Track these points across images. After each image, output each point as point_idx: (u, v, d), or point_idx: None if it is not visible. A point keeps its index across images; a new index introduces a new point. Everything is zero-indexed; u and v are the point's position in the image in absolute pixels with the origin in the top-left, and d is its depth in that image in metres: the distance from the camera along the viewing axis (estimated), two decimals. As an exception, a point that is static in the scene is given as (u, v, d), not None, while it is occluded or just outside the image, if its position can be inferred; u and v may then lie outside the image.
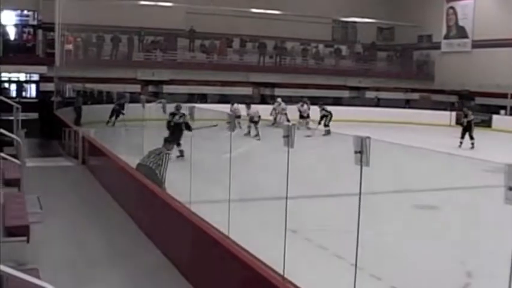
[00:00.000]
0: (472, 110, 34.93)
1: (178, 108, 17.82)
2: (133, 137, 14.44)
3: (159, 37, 36.49)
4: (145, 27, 35.05)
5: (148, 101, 14.11)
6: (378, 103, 38.33)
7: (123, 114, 20.39)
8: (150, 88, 35.13)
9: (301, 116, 28.78)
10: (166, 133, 11.86)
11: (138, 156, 11.48)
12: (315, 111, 28.43)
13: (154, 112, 13.44)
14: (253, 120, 24.34)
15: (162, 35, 36.37)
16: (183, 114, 17.15)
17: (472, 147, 24.31)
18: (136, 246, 9.33)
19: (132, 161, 11.88)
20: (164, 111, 12.81)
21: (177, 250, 8.51)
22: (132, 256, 8.90)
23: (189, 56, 37.09)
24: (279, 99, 30.92)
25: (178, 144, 16.52)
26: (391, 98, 39.48)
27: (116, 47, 34.64)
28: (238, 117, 26.34)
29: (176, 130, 17.22)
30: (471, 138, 24.65)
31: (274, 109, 30.23)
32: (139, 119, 13.88)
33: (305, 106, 29.25)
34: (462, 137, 24.84)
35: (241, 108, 26.82)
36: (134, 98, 16.18)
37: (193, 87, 35.38)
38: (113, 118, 23.45)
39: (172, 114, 17.63)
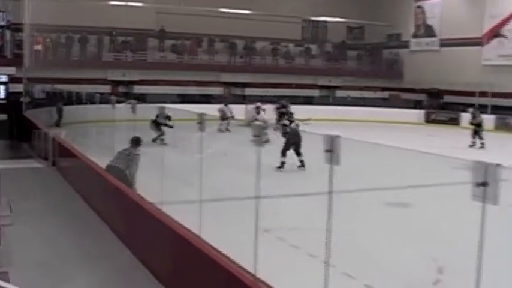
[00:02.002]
0: (439, 108, 35.52)
1: (162, 109, 19.92)
2: (104, 138, 14.36)
3: (129, 37, 36.30)
4: (115, 28, 34.87)
5: (118, 102, 14.02)
6: (348, 102, 38.50)
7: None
8: (121, 89, 34.95)
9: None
10: (136, 134, 11.82)
11: (109, 157, 11.42)
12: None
13: (125, 113, 13.35)
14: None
15: (132, 35, 36.18)
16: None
17: (482, 147, 24.39)
18: (107, 248, 9.28)
19: (102, 162, 11.82)
20: (134, 112, 12.72)
21: (148, 251, 8.47)
22: (103, 257, 8.85)
23: (160, 56, 36.94)
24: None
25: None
26: (362, 97, 39.71)
27: (83, 48, 34.38)
28: (226, 118, 26.69)
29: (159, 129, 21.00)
30: (480, 138, 24.80)
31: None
32: (110, 119, 13.81)
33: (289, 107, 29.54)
34: (473, 137, 24.97)
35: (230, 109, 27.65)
36: (104, 99, 16.09)
37: (164, 87, 35.19)
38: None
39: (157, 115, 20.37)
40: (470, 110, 32.38)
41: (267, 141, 22.98)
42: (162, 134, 21.36)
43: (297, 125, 25.97)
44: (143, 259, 8.37)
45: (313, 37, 43.72)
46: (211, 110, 25.58)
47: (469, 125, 25.78)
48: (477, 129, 24.98)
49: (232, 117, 27.62)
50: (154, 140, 20.91)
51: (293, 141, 16.99)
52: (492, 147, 23.63)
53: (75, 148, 15.04)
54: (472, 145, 24.65)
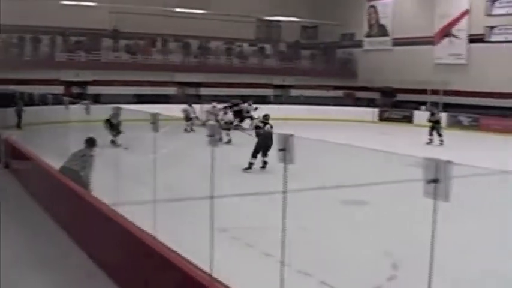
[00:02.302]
0: (393, 106, 36.00)
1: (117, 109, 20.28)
2: (58, 140, 14.18)
3: (83, 37, 35.93)
4: (68, 27, 34.48)
5: (72, 103, 13.88)
6: (302, 101, 38.70)
7: None
8: (74, 89, 34.54)
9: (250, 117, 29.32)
10: (91, 135, 11.71)
11: (63, 158, 11.29)
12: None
13: (79, 114, 13.22)
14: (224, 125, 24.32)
15: (86, 35, 35.82)
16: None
17: (441, 144, 24.86)
18: (62, 250, 9.18)
19: (57, 163, 11.67)
20: (88, 112, 12.62)
21: (103, 253, 8.41)
22: (58, 260, 8.75)
23: (113, 56, 36.64)
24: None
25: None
26: (316, 96, 39.96)
27: (36, 48, 33.91)
28: (190, 119, 26.77)
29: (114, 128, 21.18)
30: (439, 135, 25.26)
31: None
32: (64, 121, 13.66)
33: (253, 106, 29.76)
34: (431, 134, 25.41)
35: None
36: (57, 100, 15.92)
37: (119, 87, 34.87)
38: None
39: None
40: (423, 107, 33.01)
41: (229, 141, 23.18)
42: (118, 133, 21.24)
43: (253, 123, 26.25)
44: (99, 261, 8.30)
45: (267, 37, 43.88)
46: (169, 110, 25.53)
47: (425, 122, 26.18)
48: (436, 126, 25.41)
49: (197, 117, 27.76)
50: (113, 142, 20.87)
51: (264, 144, 16.88)
52: (448, 144, 24.07)
53: (28, 150, 14.82)
54: (430, 142, 25.05)
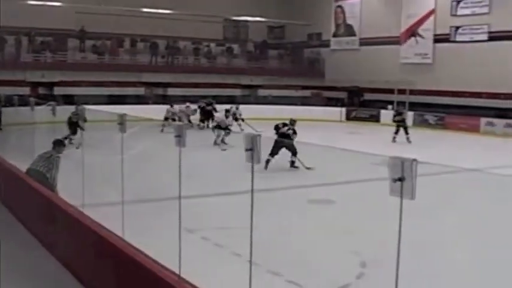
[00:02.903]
0: (360, 105, 36.28)
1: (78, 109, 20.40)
2: (24, 141, 14.03)
3: (49, 38, 35.54)
4: (34, 28, 34.07)
5: (38, 104, 13.74)
6: (270, 101, 38.75)
7: None
8: (41, 90, 34.15)
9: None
10: (57, 136, 11.60)
11: (30, 160, 11.18)
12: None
13: (45, 115, 13.10)
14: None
15: (52, 35, 35.45)
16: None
17: (409, 141, 25.36)
18: (29, 253, 9.09)
19: (22, 165, 11.55)
20: (54, 113, 12.50)
21: (71, 255, 8.34)
22: (25, 263, 8.67)
23: (80, 56, 36.26)
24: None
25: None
26: (284, 96, 40.03)
27: (1, 48, 33.50)
28: (174, 120, 26.83)
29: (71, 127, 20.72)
30: (406, 133, 25.73)
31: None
32: (29, 122, 13.52)
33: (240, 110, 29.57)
34: (396, 132, 25.85)
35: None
36: (23, 101, 15.74)
37: (87, 88, 34.55)
38: None
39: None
40: (390, 107, 33.34)
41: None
42: (73, 133, 20.49)
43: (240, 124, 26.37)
44: (66, 263, 8.24)
45: (235, 37, 43.88)
46: (144, 111, 25.43)
47: (392, 122, 26.51)
48: (402, 125, 25.89)
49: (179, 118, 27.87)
50: (65, 139, 19.99)
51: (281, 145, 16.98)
52: (414, 143, 24.37)
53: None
54: (394, 141, 25.47)
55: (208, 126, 29.44)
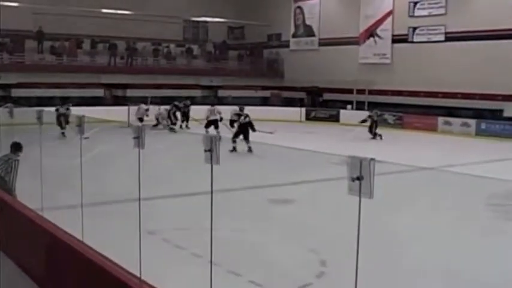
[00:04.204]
0: (319, 105, 36.58)
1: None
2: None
3: (6, 38, 35.01)
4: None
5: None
6: (230, 101, 38.70)
7: None
8: (-3, 92, 33.64)
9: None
10: (16, 139, 11.44)
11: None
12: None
13: (2, 117, 12.93)
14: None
15: (9, 36, 34.92)
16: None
17: (381, 139, 26.87)
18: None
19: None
20: (11, 116, 12.33)
21: (31, 259, 8.25)
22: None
23: (38, 58, 35.78)
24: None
25: None
26: (244, 96, 40.02)
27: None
28: (141, 119, 26.87)
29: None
30: (375, 133, 27.30)
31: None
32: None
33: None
34: (370, 131, 27.33)
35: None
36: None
37: (45, 90, 34.07)
38: None
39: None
40: (349, 107, 33.88)
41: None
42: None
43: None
44: (26, 268, 8.14)
45: (195, 37, 43.77)
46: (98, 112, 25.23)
47: (351, 121, 27.39)
48: (374, 126, 27.50)
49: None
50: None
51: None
52: (373, 142, 24.69)
53: None
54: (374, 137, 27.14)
55: (187, 127, 30.45)
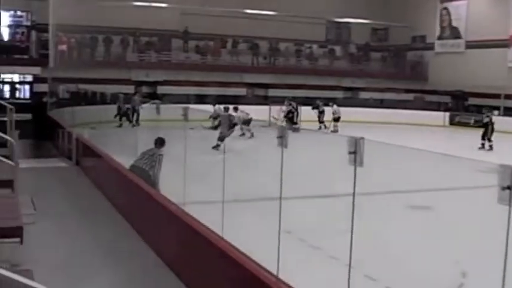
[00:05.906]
0: (464, 110, 35.30)
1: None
2: (128, 138, 14.37)
3: (154, 38, 36.40)
4: (139, 28, 34.95)
5: (142, 102, 14.05)
6: (372, 104, 38.32)
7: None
8: (144, 89, 35.02)
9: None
10: (160, 134, 11.81)
11: (132, 157, 11.45)
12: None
13: (148, 113, 13.39)
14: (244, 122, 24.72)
15: (157, 35, 36.28)
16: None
17: (490, 149, 24.49)
18: (130, 247, 9.32)
19: (126, 162, 11.84)
20: (158, 112, 12.73)
21: (171, 251, 8.49)
22: (126, 257, 8.90)
23: (183, 56, 36.97)
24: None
25: None
26: (385, 99, 39.53)
27: (107, 48, 34.57)
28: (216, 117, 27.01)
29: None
30: (485, 140, 24.90)
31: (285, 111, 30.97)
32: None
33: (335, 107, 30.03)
34: (483, 138, 25.06)
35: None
36: (128, 99, 16.16)
37: (188, 88, 35.14)
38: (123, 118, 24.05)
39: None
40: (496, 112, 32.42)
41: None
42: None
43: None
44: (166, 259, 8.38)
45: (337, 38, 43.56)
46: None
47: (498, 127, 25.58)
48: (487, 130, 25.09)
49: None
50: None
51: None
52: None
53: (98, 148, 15.09)
54: (482, 147, 24.82)
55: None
